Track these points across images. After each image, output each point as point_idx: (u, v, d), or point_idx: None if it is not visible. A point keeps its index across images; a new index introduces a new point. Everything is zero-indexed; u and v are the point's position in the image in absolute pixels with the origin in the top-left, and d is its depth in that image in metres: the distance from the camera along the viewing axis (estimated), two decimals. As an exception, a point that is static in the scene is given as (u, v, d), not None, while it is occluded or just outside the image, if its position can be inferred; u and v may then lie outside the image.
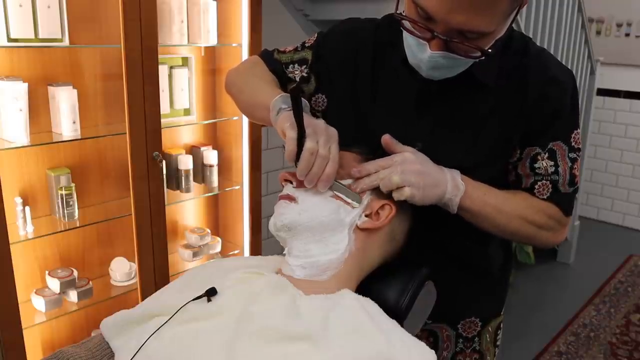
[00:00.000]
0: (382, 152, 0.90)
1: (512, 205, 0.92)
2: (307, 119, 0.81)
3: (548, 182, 0.94)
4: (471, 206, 0.89)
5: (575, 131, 0.94)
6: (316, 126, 0.81)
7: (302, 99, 0.82)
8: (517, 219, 0.92)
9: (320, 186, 0.82)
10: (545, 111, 0.92)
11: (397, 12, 0.83)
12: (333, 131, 0.83)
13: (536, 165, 0.94)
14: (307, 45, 1.07)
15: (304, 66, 1.05)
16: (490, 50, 0.81)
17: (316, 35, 1.08)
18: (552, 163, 0.93)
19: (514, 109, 0.92)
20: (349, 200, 0.85)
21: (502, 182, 0.96)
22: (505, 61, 0.91)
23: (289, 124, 0.81)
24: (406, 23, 0.83)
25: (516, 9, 0.79)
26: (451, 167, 0.90)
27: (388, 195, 0.86)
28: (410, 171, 0.84)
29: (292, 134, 0.80)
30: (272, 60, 1.08)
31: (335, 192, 0.84)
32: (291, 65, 1.06)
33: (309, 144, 0.79)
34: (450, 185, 0.87)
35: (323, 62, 1.04)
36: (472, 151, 0.94)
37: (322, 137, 0.80)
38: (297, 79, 1.05)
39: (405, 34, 0.86)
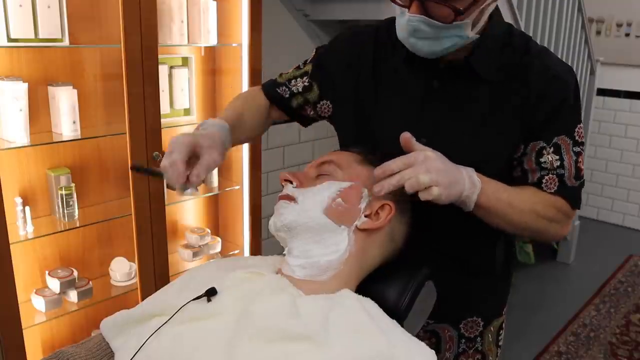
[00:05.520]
0: (381, 152, 0.90)
1: (523, 200, 0.93)
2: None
3: (554, 176, 0.95)
4: (487, 203, 0.89)
5: (579, 125, 0.96)
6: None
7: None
8: (529, 213, 0.93)
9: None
10: (548, 107, 0.93)
11: None
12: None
13: (542, 160, 0.94)
14: (307, 61, 1.12)
15: (305, 77, 1.10)
16: (462, 9, 0.82)
17: (315, 50, 1.13)
18: (557, 157, 0.94)
19: (515, 105, 0.93)
20: None
21: (508, 178, 0.96)
22: (506, 58, 0.93)
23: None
24: None
25: None
26: (455, 163, 0.89)
27: (387, 196, 0.85)
28: (435, 170, 0.82)
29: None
30: (270, 85, 1.14)
31: None
32: (293, 80, 1.11)
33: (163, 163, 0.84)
34: (468, 183, 0.87)
35: (324, 69, 1.07)
36: (475, 147, 0.94)
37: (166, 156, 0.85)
38: (300, 90, 1.10)
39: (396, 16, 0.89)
